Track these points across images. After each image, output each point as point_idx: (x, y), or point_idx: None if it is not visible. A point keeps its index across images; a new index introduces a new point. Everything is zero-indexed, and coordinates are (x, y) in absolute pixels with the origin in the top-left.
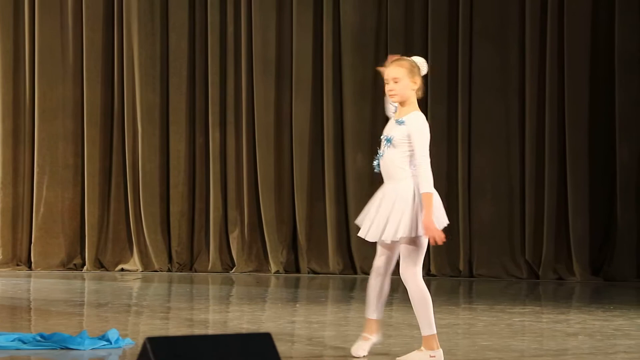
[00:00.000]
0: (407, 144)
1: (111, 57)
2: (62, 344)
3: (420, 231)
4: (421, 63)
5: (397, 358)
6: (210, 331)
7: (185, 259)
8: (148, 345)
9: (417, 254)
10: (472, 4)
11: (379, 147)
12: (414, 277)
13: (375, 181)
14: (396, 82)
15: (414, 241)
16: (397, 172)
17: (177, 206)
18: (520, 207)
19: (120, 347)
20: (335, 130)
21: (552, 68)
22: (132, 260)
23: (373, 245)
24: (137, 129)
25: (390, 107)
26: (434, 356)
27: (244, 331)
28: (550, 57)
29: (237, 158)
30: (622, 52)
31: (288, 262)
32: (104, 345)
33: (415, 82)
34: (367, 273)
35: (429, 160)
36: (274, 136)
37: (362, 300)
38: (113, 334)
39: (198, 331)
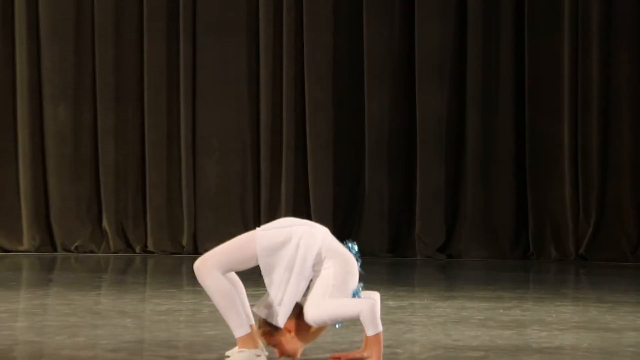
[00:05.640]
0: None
1: None
2: None
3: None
4: None
5: (227, 353)
6: None
7: None
8: None
9: (226, 247)
10: None
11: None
12: (210, 272)
13: (82, 143)
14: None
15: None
16: None
17: None
18: (254, 168)
19: None
20: (30, 76)
21: (290, 9)
22: None
23: (78, 219)
24: None
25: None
26: (259, 355)
27: None
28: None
29: None
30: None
31: None
32: None
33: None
34: (69, 250)
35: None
36: None
37: (63, 282)
38: None
39: None
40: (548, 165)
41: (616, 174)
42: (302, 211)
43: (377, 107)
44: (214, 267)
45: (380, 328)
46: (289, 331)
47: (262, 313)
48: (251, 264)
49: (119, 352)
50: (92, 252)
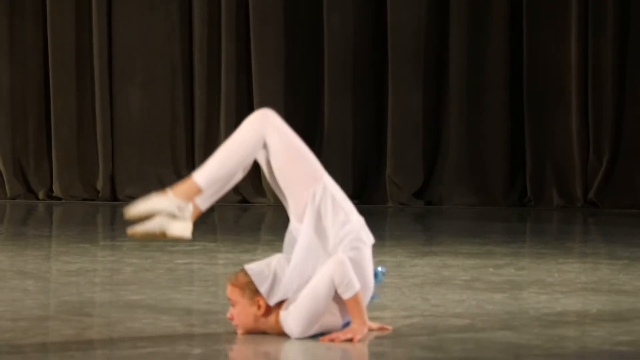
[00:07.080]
0: None
1: None
2: None
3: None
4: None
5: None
6: None
7: None
8: None
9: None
10: None
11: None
12: (260, 129)
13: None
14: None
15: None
16: None
17: None
18: (186, 94)
19: None
20: None
21: None
22: None
23: None
24: None
25: None
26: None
27: None
28: None
29: None
30: None
31: None
32: None
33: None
34: None
35: None
36: None
37: None
38: None
39: None
40: (550, 90)
41: (635, 102)
42: None
43: (338, 18)
44: (266, 133)
45: (357, 286)
46: (259, 307)
47: (254, 274)
48: (281, 190)
49: (18, 322)
50: None
